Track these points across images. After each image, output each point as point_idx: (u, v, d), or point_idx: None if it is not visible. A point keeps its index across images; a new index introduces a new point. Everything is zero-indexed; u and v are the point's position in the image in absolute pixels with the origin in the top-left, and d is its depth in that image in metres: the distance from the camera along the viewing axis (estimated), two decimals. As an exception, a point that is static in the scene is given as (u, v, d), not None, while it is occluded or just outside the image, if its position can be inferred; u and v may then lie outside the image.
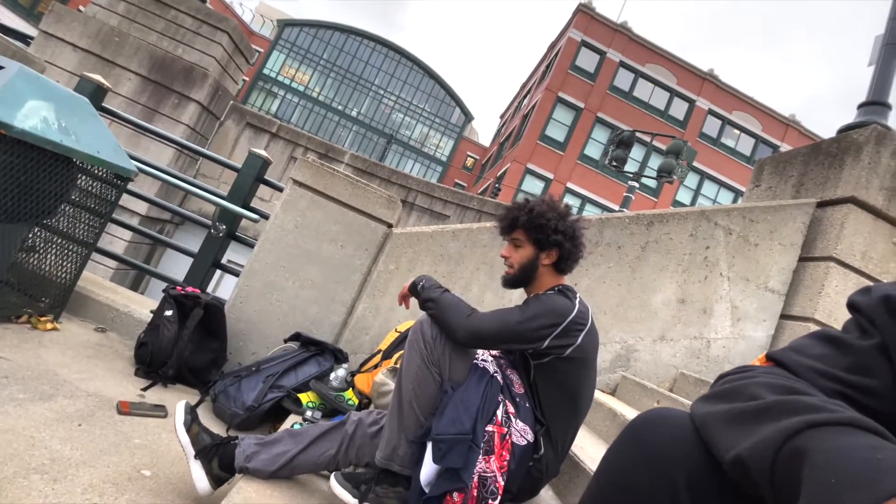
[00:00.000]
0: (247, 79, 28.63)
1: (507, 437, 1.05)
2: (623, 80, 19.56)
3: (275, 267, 2.15)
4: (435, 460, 1.02)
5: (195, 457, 1.21)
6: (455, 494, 1.00)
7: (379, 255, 2.21)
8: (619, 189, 18.08)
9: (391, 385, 1.63)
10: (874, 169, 2.42)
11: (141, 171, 2.33)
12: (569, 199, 19.15)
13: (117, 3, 5.52)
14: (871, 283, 2.29)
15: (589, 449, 1.48)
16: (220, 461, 1.22)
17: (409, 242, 2.22)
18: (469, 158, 31.82)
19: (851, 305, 0.51)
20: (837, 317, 2.38)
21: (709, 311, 2.51)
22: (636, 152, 16.48)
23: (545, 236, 1.25)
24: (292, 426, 1.54)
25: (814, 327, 2.37)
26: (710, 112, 19.95)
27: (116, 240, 4.99)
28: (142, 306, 2.27)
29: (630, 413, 1.83)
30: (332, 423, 1.31)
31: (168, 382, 1.89)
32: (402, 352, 1.41)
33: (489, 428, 1.05)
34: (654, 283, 2.47)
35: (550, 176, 19.06)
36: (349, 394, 1.83)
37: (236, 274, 2.40)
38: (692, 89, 19.82)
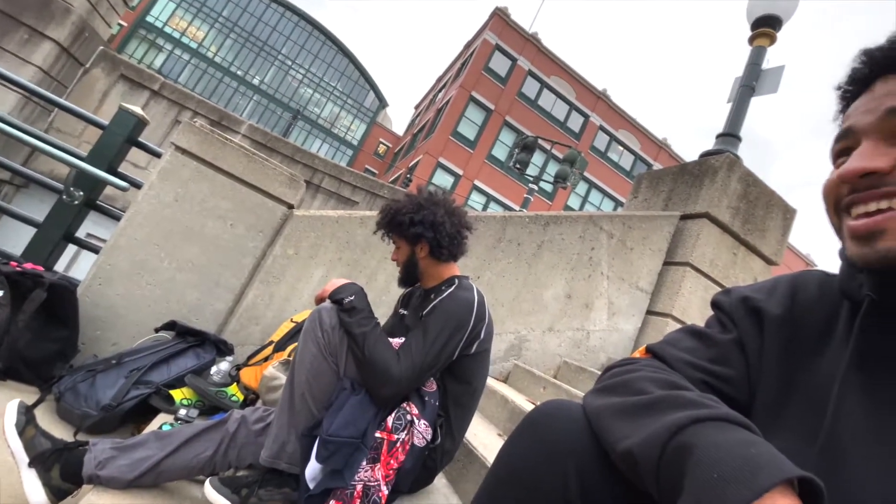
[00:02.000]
0: (124, 24, 24.61)
1: (398, 444, 1.03)
2: (530, 88, 20.74)
3: (146, 244, 1.87)
4: (319, 459, 0.97)
5: (29, 465, 1.00)
6: (333, 503, 0.96)
7: (276, 237, 2.04)
8: (520, 190, 19.24)
9: (282, 379, 1.52)
10: (724, 190, 2.88)
11: (-37, 114, 1.85)
12: (475, 197, 19.87)
13: None
14: (718, 287, 2.70)
15: (481, 436, 1.54)
16: (63, 470, 1.02)
17: (311, 226, 2.09)
18: (381, 145, 31.21)
19: (715, 304, 0.59)
20: (689, 314, 2.79)
21: (590, 306, 2.78)
22: (537, 157, 17.66)
23: (406, 232, 1.25)
24: (160, 427, 1.36)
25: (671, 322, 2.75)
26: (601, 128, 22.12)
27: (-75, 199, 3.95)
28: (-42, 284, 1.82)
29: (520, 399, 1.95)
30: (209, 422, 1.17)
31: (-6, 378, 1.54)
32: (296, 343, 1.31)
33: (378, 434, 1.03)
34: (546, 278, 2.66)
35: (460, 172, 19.54)
36: (233, 389, 1.67)
37: (96, 251, 2.04)
38: (588, 105, 21.76)
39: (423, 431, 1.09)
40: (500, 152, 20.11)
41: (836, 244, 0.49)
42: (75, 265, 3.99)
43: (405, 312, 1.35)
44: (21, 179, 4.87)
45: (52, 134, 5.14)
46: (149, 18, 26.02)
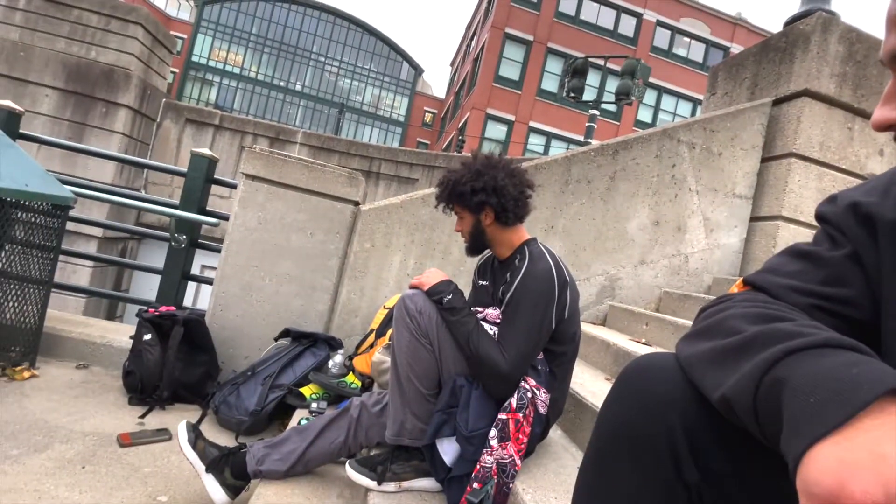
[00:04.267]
0: (176, 70, 26.71)
1: (522, 421, 1.06)
2: (567, 4, 18.90)
3: (247, 267, 2.09)
4: (467, 455, 1.05)
5: (206, 470, 1.21)
6: (475, 484, 1.02)
7: (352, 235, 2.16)
8: (581, 119, 17.91)
9: (389, 362, 1.64)
10: (823, 57, 2.43)
11: (80, 195, 2.18)
12: (534, 139, 18.99)
13: (13, 14, 4.97)
14: (833, 173, 2.32)
15: (588, 384, 1.54)
16: (233, 470, 1.22)
17: (379, 217, 2.17)
18: (427, 114, 30.93)
19: (820, 217, 0.50)
20: (803, 210, 2.46)
21: (683, 228, 2.57)
22: (592, 79, 16.23)
23: (469, 202, 1.22)
24: (299, 422, 1.55)
25: (782, 224, 2.45)
26: (659, 23, 19.58)
27: (80, 268, 4.77)
28: (119, 334, 2.20)
29: (623, 340, 1.90)
30: (336, 412, 1.32)
31: (165, 404, 1.86)
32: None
33: (502, 416, 1.07)
34: (627, 210, 2.50)
35: (511, 118, 18.73)
36: (350, 378, 1.84)
37: (210, 283, 2.33)
38: (638, 2, 19.32)
39: (543, 399, 1.12)
40: (551, 84, 18.79)
41: None
42: (200, 296, 4.59)
43: (485, 283, 1.37)
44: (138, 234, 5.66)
45: (149, 187, 5.86)
46: (194, 58, 27.92)
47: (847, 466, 0.26)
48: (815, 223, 0.52)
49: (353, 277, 2.12)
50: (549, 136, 19.03)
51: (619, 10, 19.29)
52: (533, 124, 18.86)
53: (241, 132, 6.35)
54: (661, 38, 19.76)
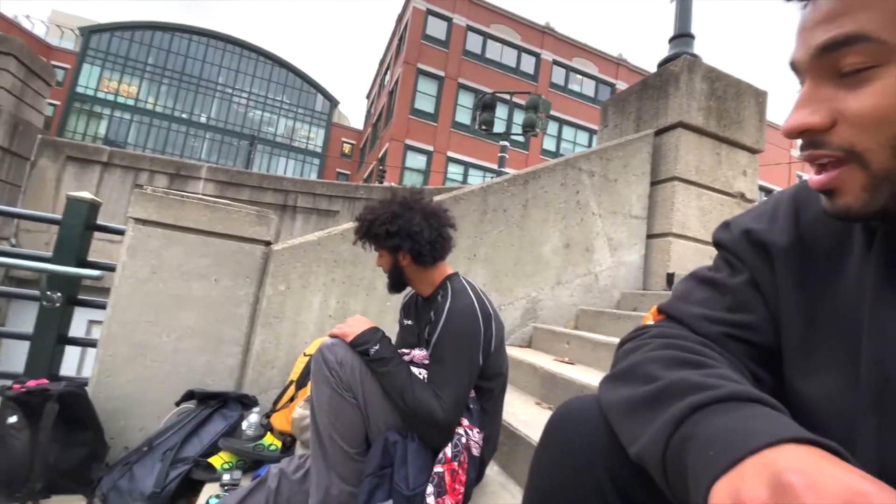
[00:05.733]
0: (57, 103, 23.88)
1: (458, 470, 1.01)
2: (474, 43, 20.15)
3: (139, 324, 1.84)
4: None
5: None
6: None
7: (264, 278, 2.00)
8: (494, 149, 18.90)
9: (311, 416, 1.52)
10: (691, 94, 2.80)
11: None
12: (453, 168, 19.61)
13: None
14: (710, 193, 2.64)
15: (520, 412, 1.54)
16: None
17: (294, 256, 2.04)
18: (346, 144, 30.66)
19: (717, 243, 0.53)
20: (689, 226, 2.76)
21: (590, 248, 2.75)
22: (501, 111, 17.32)
23: (385, 244, 1.19)
24: (208, 501, 1.35)
25: (673, 239, 2.73)
26: (555, 62, 21.58)
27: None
28: (-30, 419, 1.80)
29: (546, 363, 1.95)
30: (252, 484, 1.17)
31: (40, 498, 1.54)
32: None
33: (437, 469, 1.01)
34: (541, 235, 2.62)
35: (430, 148, 19.22)
36: (269, 438, 1.67)
37: (94, 345, 2.02)
38: (535, 43, 21.17)
39: (476, 440, 1.08)
40: (464, 116, 19.70)
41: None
42: (87, 361, 3.97)
43: (410, 323, 1.33)
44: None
45: (21, 236, 5.05)
46: (79, 90, 25.24)
47: (738, 486, 0.28)
48: (700, 238, 0.55)
49: (267, 324, 1.96)
50: (467, 165, 19.79)
51: (520, 49, 21.00)
52: (451, 154, 19.52)
53: (135, 169, 5.77)
54: (558, 75, 21.77)
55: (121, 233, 1.90)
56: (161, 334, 1.85)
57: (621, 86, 21.63)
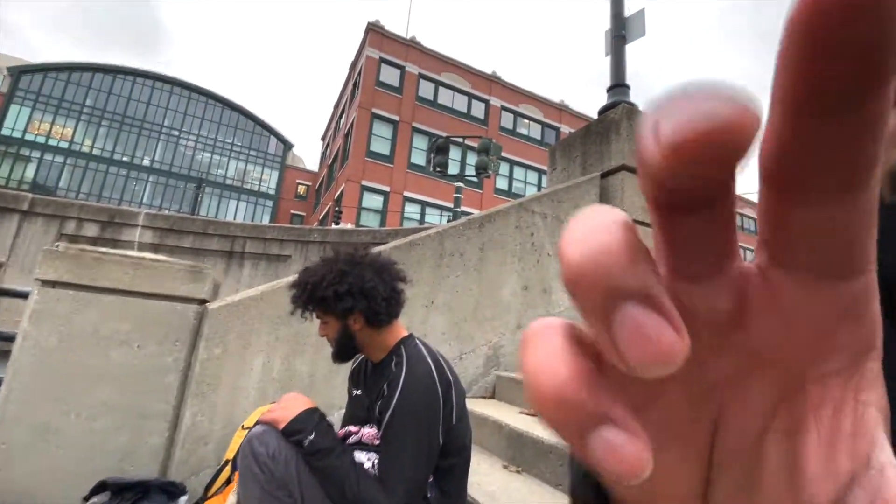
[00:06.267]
0: (-24, 145, 22.11)
1: None
2: (426, 90, 20.91)
3: (43, 403, 1.57)
4: None
5: None
6: None
7: (197, 341, 1.79)
8: (449, 189, 19.24)
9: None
10: (631, 139, 2.94)
11: None
12: (409, 208, 19.72)
13: None
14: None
15: (485, 481, 1.41)
16: None
17: (233, 314, 1.86)
18: (301, 186, 30.23)
19: None
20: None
21: (548, 290, 2.73)
22: (454, 153, 17.77)
23: (335, 308, 1.06)
24: None
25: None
26: (503, 108, 22.75)
27: None
28: None
29: (512, 418, 1.83)
30: None
31: None
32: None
33: None
34: (499, 278, 2.58)
35: (387, 189, 19.30)
36: (196, 533, 1.42)
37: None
38: (484, 90, 22.29)
39: None
40: (419, 158, 20.08)
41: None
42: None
43: (359, 393, 1.19)
44: None
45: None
46: (4, 132, 23.58)
47: None
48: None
49: (199, 394, 1.73)
50: (424, 205, 19.99)
51: (470, 96, 22.02)
52: (407, 194, 19.68)
53: (61, 217, 5.30)
54: (507, 120, 22.92)
55: (24, 296, 1.65)
56: (70, 413, 1.59)
57: (565, 129, 23.03)
